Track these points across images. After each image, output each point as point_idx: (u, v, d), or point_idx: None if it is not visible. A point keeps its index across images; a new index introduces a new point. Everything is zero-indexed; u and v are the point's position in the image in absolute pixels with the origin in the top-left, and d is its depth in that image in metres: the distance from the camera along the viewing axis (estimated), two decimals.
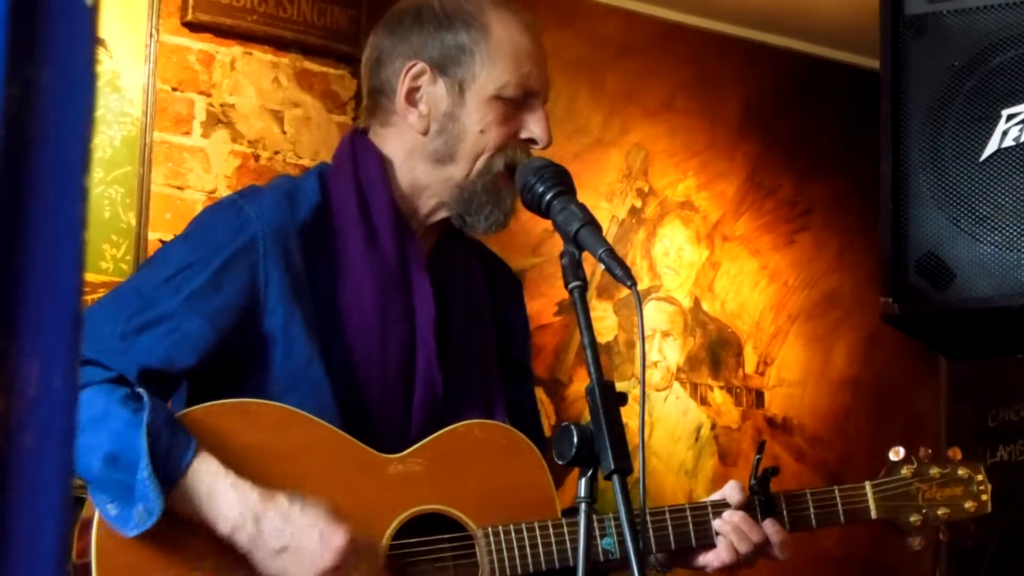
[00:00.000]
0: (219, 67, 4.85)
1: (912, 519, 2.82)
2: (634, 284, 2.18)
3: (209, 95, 4.82)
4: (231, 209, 2.56)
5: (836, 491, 2.77)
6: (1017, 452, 6.02)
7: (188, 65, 4.79)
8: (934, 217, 2.83)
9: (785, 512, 2.71)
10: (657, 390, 5.88)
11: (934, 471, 2.84)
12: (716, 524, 2.65)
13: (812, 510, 2.74)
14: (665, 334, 5.95)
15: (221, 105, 4.84)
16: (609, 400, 2.13)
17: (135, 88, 4.66)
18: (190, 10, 4.76)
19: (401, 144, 2.63)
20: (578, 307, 2.21)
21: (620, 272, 2.19)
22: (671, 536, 2.63)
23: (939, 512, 2.83)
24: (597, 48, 5.83)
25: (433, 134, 2.60)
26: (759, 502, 2.69)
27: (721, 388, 6.06)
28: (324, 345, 2.52)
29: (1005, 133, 2.79)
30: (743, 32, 6.21)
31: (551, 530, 2.55)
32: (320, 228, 2.57)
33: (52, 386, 0.92)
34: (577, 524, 2.45)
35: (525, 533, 2.54)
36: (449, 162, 2.60)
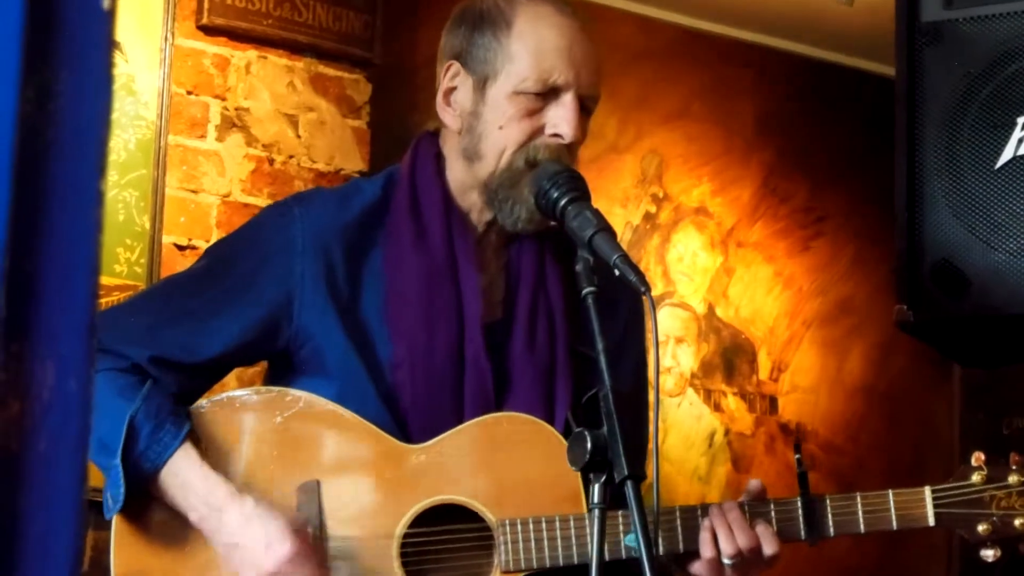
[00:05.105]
0: (234, 71, 4.85)
1: (981, 528, 2.60)
2: (648, 290, 2.18)
3: (224, 99, 4.82)
4: (279, 208, 2.66)
5: (890, 495, 2.60)
6: None
7: (203, 69, 4.79)
8: (949, 224, 2.82)
9: (830, 514, 2.58)
10: (671, 396, 5.87)
11: (1014, 479, 2.62)
12: (708, 517, 2.54)
13: (861, 513, 2.59)
14: (679, 340, 5.94)
15: (236, 109, 4.84)
16: (623, 406, 2.13)
17: (150, 91, 4.67)
18: (205, 14, 4.76)
19: (449, 144, 2.65)
20: (592, 313, 2.20)
21: (634, 278, 2.19)
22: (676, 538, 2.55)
23: (1016, 523, 2.61)
24: (612, 53, 5.82)
25: (464, 133, 2.61)
26: (801, 502, 2.56)
27: (735, 394, 6.05)
28: (363, 339, 2.55)
29: (1021, 140, 2.78)
30: (759, 38, 6.20)
31: (572, 524, 2.48)
32: (370, 227, 2.61)
33: (67, 389, 0.91)
34: (611, 520, 2.42)
35: (544, 526, 2.49)
36: (477, 160, 2.59)
